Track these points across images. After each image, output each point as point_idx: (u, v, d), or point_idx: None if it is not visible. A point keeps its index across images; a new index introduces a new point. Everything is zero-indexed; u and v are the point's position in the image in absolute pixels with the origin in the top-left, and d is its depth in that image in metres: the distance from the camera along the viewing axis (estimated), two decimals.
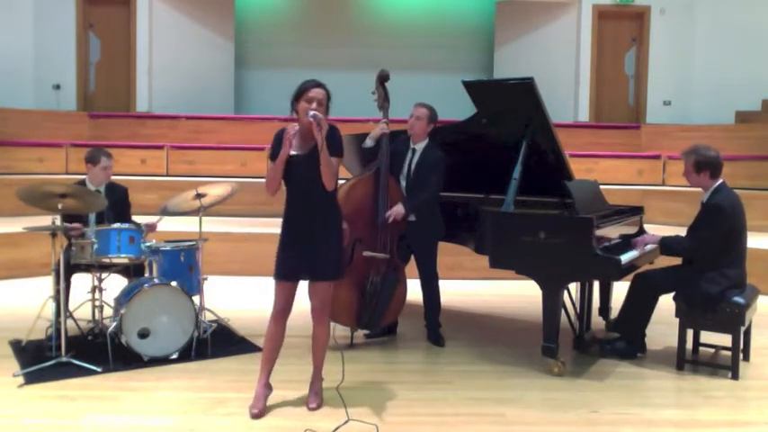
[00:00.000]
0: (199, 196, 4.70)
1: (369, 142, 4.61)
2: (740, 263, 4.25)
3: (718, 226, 4.14)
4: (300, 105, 3.34)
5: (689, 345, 4.41)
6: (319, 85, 3.39)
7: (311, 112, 3.27)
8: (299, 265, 3.39)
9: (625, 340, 4.49)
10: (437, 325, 4.76)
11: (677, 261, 4.49)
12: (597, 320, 5.06)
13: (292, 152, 3.36)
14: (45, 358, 4.06)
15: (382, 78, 4.61)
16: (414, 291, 4.78)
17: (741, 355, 4.23)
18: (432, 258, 4.72)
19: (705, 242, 4.18)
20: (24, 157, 8.46)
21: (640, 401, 3.77)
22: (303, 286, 3.49)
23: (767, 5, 9.99)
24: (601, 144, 9.76)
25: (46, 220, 4.23)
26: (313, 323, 3.54)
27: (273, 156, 3.41)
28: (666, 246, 4.37)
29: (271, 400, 3.55)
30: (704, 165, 4.24)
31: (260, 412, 3.42)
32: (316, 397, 3.56)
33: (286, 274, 3.42)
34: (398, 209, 4.43)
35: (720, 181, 4.27)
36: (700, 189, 4.36)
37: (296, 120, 3.40)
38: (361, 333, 4.71)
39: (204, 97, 10.37)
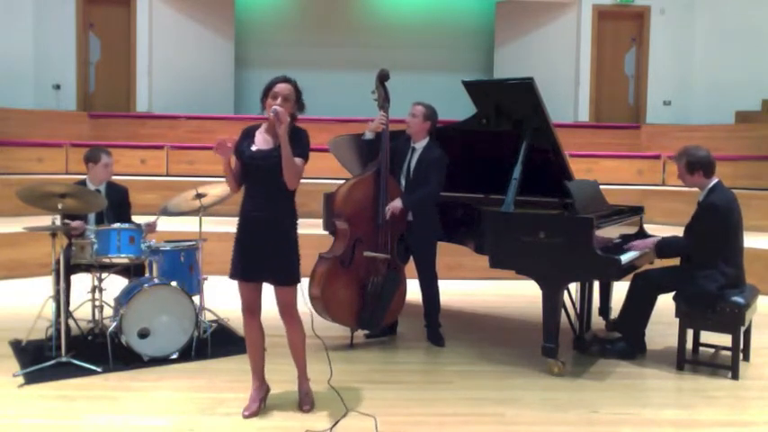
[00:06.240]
0: (199, 196, 4.70)
1: (368, 134, 4.61)
2: (737, 260, 4.25)
3: (713, 223, 4.16)
4: (267, 102, 3.32)
5: (689, 345, 4.41)
6: (286, 80, 3.35)
7: (273, 107, 3.25)
8: (253, 266, 3.35)
9: (625, 340, 4.49)
10: (437, 325, 4.76)
11: (677, 261, 4.49)
12: (597, 320, 5.06)
13: (254, 148, 3.33)
14: (45, 358, 4.06)
15: (382, 78, 4.61)
16: (414, 291, 4.78)
17: (741, 355, 4.23)
18: (431, 259, 4.71)
19: (702, 239, 4.19)
20: (24, 157, 8.44)
21: (640, 401, 3.77)
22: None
23: (767, 5, 9.98)
24: (601, 144, 9.75)
25: (46, 220, 4.24)
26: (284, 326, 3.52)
27: (237, 153, 3.39)
28: (664, 246, 4.37)
29: (270, 400, 3.56)
30: (696, 165, 4.26)
31: (251, 414, 3.41)
32: (307, 398, 3.54)
33: (240, 274, 3.38)
34: (396, 203, 4.43)
35: (716, 180, 4.29)
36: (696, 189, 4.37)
37: (266, 119, 3.37)
38: (361, 333, 4.71)
39: (204, 97, 10.35)
